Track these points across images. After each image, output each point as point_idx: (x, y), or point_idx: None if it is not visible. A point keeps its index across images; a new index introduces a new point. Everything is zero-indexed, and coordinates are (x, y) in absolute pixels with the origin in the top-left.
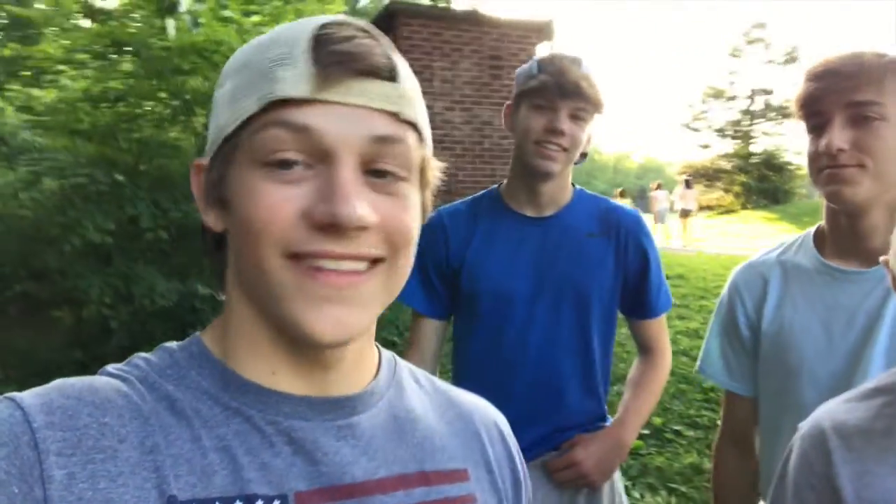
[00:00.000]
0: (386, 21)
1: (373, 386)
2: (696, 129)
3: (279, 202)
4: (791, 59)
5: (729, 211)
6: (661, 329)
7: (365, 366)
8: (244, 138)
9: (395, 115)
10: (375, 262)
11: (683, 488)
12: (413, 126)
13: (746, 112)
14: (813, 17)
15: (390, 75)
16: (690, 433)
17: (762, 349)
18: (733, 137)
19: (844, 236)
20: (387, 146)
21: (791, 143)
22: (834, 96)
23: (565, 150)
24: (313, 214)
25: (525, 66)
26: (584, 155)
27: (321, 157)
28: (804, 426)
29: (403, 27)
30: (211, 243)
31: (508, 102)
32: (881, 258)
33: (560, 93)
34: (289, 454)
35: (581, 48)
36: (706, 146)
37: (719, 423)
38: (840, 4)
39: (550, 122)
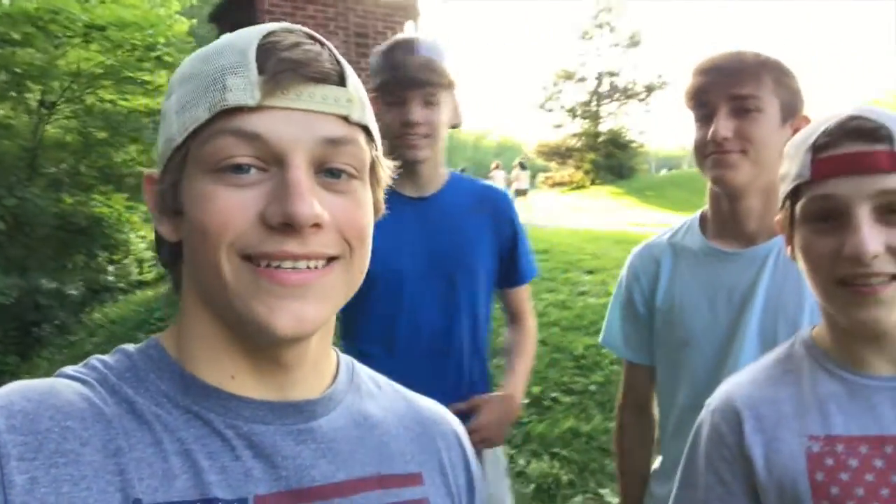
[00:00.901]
0: None
1: (332, 391)
2: (549, 110)
3: (234, 206)
4: (634, 42)
5: (580, 187)
6: (528, 295)
7: (323, 370)
8: (195, 147)
9: (345, 118)
10: (331, 259)
11: (564, 452)
12: (363, 127)
13: (594, 93)
14: (656, 3)
15: (339, 80)
16: (566, 399)
17: (656, 324)
18: (583, 117)
19: (725, 218)
20: (338, 147)
21: (634, 122)
22: (719, 89)
23: (426, 136)
24: (268, 215)
25: (371, 60)
26: (455, 125)
27: (274, 160)
28: (713, 401)
29: (265, 1)
30: (167, 255)
31: (372, 96)
32: (776, 218)
33: (405, 86)
34: (249, 458)
35: (444, 28)
36: (559, 125)
37: (620, 390)
38: None
39: (403, 116)
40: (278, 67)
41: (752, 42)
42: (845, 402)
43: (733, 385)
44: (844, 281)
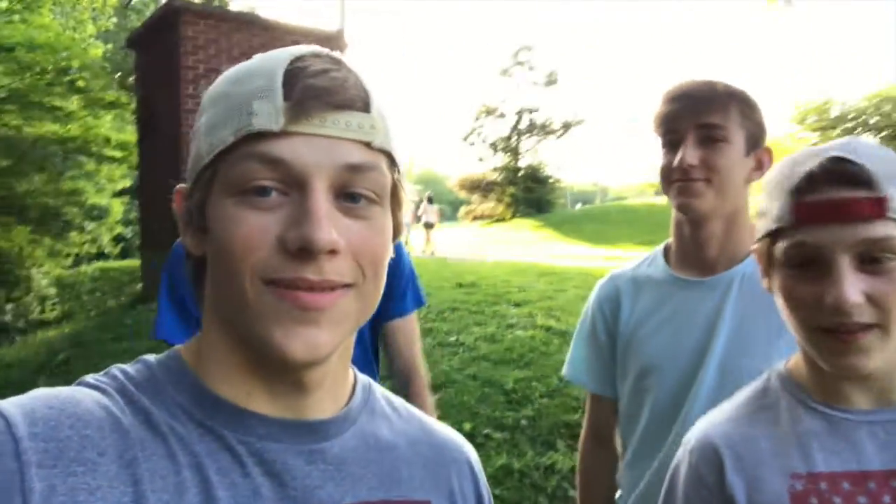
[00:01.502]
0: (168, 18)
1: (346, 411)
2: (472, 144)
3: (256, 230)
4: (551, 81)
5: (501, 220)
6: (414, 336)
7: (340, 390)
8: (221, 168)
9: (367, 144)
10: (346, 286)
11: (497, 490)
12: (385, 153)
13: (515, 129)
14: (572, 44)
15: (364, 106)
16: (498, 435)
17: (618, 353)
18: (504, 151)
19: (687, 246)
20: (359, 173)
21: (552, 158)
22: (687, 117)
23: None
24: (286, 240)
25: None
26: None
27: (295, 184)
28: (691, 440)
29: (188, 26)
30: (191, 269)
31: None
32: (754, 247)
33: None
34: (258, 475)
35: (371, 60)
36: (481, 159)
37: (584, 424)
38: (599, 31)
39: None
40: (303, 94)
41: (668, 79)
42: (826, 438)
43: (710, 424)
44: (825, 329)
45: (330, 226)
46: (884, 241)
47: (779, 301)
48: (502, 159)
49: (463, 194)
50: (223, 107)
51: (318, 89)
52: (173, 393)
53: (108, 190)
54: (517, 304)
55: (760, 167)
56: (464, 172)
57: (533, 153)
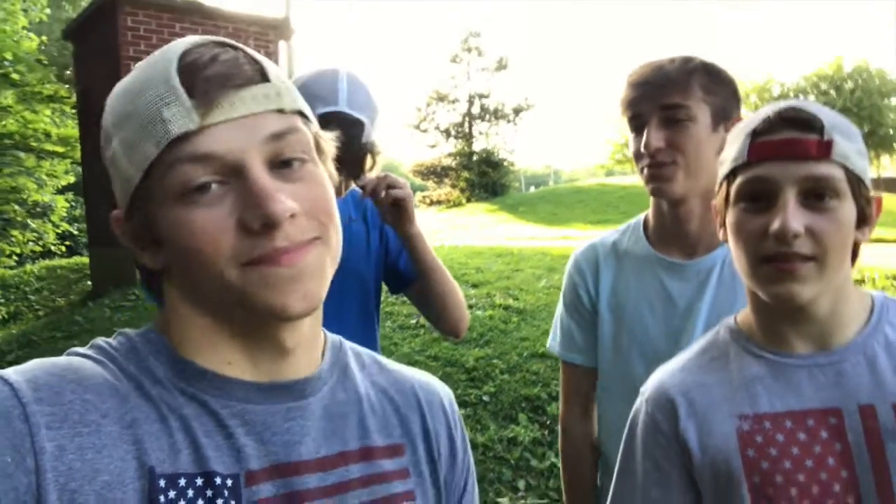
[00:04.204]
0: (106, 9)
1: (319, 370)
2: (424, 130)
3: (211, 223)
4: (502, 66)
5: (457, 205)
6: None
7: (314, 350)
8: (154, 181)
9: (279, 111)
10: (314, 239)
11: None
12: (297, 112)
13: (467, 114)
14: (521, 29)
15: (262, 77)
16: (461, 412)
17: (599, 326)
18: (456, 137)
19: (666, 224)
20: (283, 140)
21: (504, 142)
22: (648, 101)
23: None
24: (247, 222)
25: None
26: None
27: (231, 172)
28: (647, 390)
29: (127, 17)
30: (146, 279)
31: None
32: (712, 202)
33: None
34: (241, 435)
35: (318, 47)
36: (434, 146)
37: (560, 395)
38: (548, 13)
39: None
40: (205, 87)
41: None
42: (770, 381)
43: (665, 374)
44: (768, 258)
45: (281, 195)
46: (828, 179)
47: (730, 240)
48: (455, 145)
49: (419, 180)
50: (133, 125)
51: (216, 76)
52: (155, 363)
53: (51, 186)
54: (475, 286)
55: None
56: (417, 159)
57: (486, 138)
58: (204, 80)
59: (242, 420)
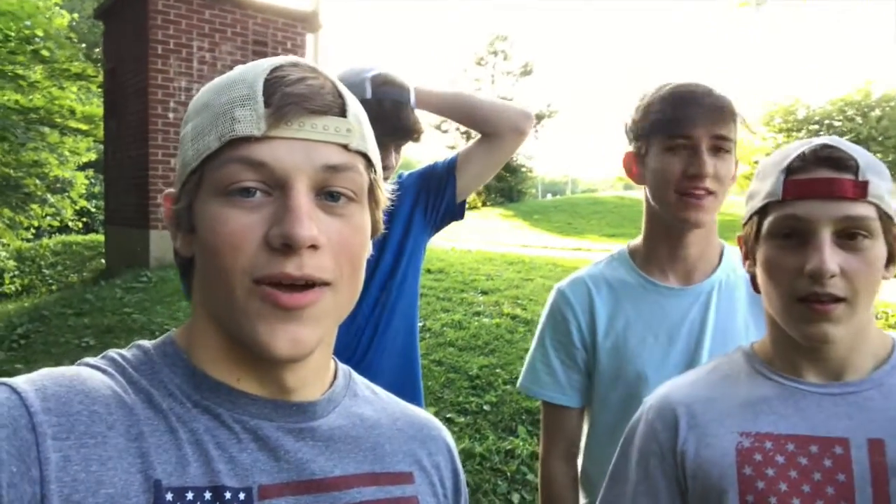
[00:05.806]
0: None
1: (330, 394)
2: (444, 131)
3: (241, 228)
4: (526, 71)
5: (472, 207)
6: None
7: (322, 377)
8: (207, 172)
9: (344, 146)
10: (324, 284)
11: None
12: (362, 154)
13: None
14: (548, 35)
15: (340, 111)
16: (461, 420)
17: (600, 364)
18: None
19: (664, 251)
20: (338, 173)
21: (524, 149)
22: (704, 126)
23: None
24: (270, 237)
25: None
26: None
27: (277, 185)
28: (650, 400)
29: (158, 0)
30: (179, 265)
31: None
32: (738, 235)
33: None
34: (254, 450)
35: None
36: (453, 147)
37: (544, 440)
38: (575, 23)
39: None
40: (283, 101)
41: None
42: (778, 403)
43: (672, 387)
44: (802, 297)
45: (311, 221)
46: (862, 220)
47: (760, 275)
48: None
49: None
50: (207, 115)
51: (296, 96)
52: (170, 375)
53: (72, 163)
54: (484, 292)
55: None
56: (436, 159)
57: None
58: (284, 95)
59: (255, 435)
